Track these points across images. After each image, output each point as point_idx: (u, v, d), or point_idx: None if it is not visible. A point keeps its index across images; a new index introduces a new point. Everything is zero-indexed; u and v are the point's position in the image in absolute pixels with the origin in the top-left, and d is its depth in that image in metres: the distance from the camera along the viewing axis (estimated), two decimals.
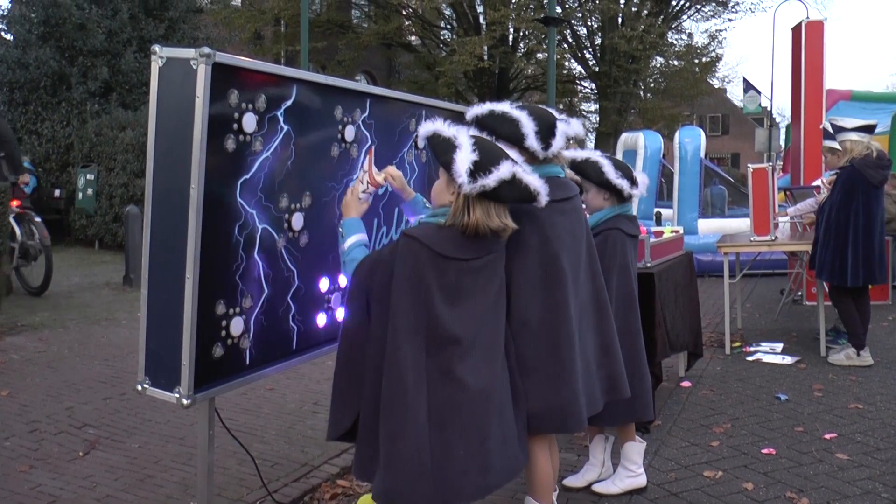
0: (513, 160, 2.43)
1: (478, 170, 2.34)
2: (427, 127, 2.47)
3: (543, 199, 2.48)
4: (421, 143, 2.49)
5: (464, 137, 2.41)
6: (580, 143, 3.23)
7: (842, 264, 5.72)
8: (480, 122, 2.85)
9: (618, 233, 3.49)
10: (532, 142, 2.80)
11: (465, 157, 2.34)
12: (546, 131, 2.83)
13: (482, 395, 2.43)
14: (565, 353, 2.79)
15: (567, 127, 2.94)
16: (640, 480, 3.64)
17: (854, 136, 5.74)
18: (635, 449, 3.64)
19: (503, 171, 2.36)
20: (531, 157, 2.83)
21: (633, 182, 3.55)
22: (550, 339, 2.78)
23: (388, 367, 2.37)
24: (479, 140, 2.44)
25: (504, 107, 2.87)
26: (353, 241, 2.62)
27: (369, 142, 3.18)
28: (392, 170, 2.94)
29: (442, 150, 2.40)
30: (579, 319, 2.91)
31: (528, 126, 2.79)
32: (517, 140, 2.79)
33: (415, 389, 2.34)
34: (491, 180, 2.33)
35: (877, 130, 9.99)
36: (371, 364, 2.43)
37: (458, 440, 2.37)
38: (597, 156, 3.54)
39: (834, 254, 5.75)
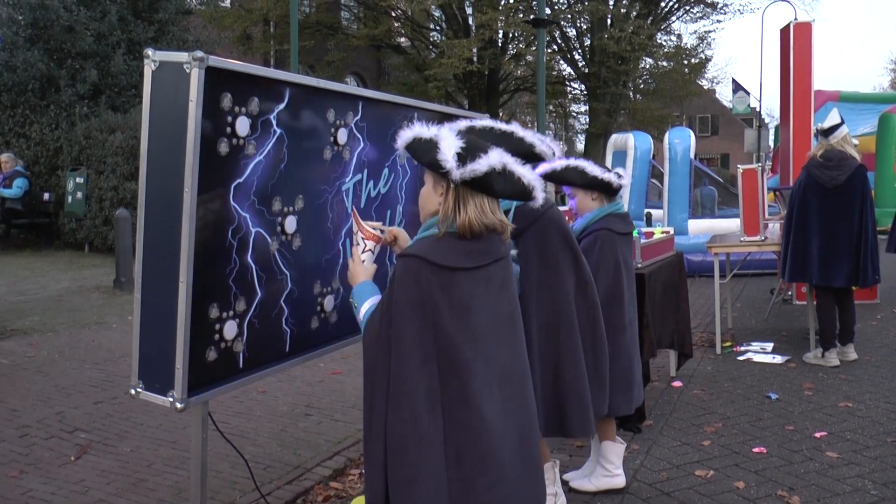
0: (503, 152, 2.25)
1: (465, 156, 2.17)
2: (405, 135, 2.28)
3: (540, 196, 2.30)
4: (401, 152, 2.36)
5: (446, 132, 2.24)
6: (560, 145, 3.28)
7: (783, 260, 6.01)
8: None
9: (607, 232, 3.56)
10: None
11: (450, 145, 2.18)
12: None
13: (499, 422, 2.23)
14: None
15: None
16: (618, 481, 3.65)
17: (817, 139, 5.89)
18: (613, 449, 3.65)
19: (493, 158, 2.18)
20: None
21: (618, 175, 3.63)
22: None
23: (396, 403, 2.16)
24: (465, 134, 2.27)
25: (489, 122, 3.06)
26: (368, 307, 2.36)
27: (361, 145, 3.18)
28: (395, 231, 2.72)
29: (424, 151, 2.23)
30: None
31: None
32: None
33: (429, 423, 2.15)
34: (481, 165, 2.16)
35: (865, 131, 10.08)
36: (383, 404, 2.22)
37: (477, 474, 2.18)
38: (574, 161, 3.59)
39: (784, 251, 6.02)
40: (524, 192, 2.27)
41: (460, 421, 2.18)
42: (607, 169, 3.63)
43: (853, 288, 5.99)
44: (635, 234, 4.87)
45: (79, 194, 12.15)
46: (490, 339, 2.26)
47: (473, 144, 2.22)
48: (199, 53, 2.32)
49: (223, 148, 2.49)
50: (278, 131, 2.70)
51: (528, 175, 2.26)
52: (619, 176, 3.62)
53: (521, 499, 2.28)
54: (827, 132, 5.80)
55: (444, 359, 2.18)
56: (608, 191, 3.60)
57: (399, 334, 2.17)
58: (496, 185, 2.20)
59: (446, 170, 2.17)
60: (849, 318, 5.98)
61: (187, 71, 2.33)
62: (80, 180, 12.18)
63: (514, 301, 2.39)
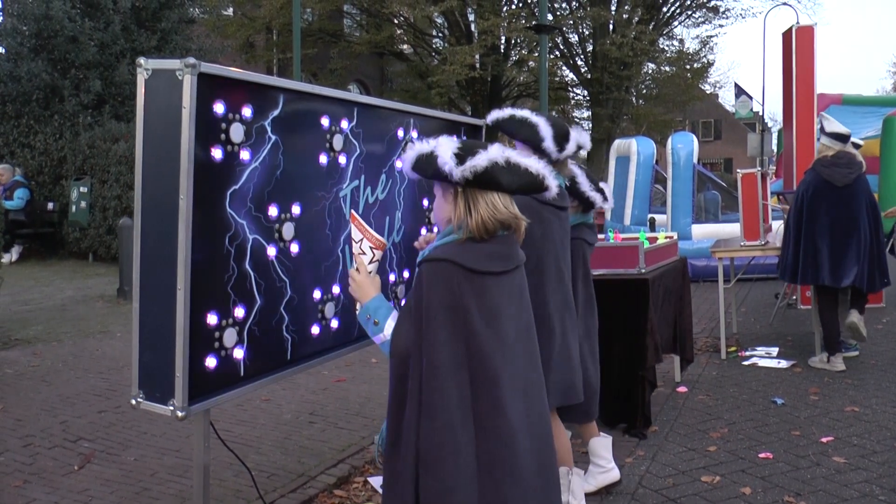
0: (503, 147, 2.21)
1: (463, 155, 2.15)
2: (407, 158, 2.26)
3: (553, 185, 2.26)
4: (412, 176, 2.34)
5: (444, 139, 2.23)
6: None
7: (793, 262, 5.87)
8: (500, 126, 3.18)
9: (581, 242, 3.62)
10: (549, 144, 3.10)
11: (447, 149, 2.16)
12: (561, 137, 3.14)
13: (524, 433, 2.21)
14: (543, 343, 3.00)
15: (578, 135, 3.23)
16: (613, 475, 3.66)
17: (825, 140, 5.83)
18: (601, 444, 3.68)
19: (493, 152, 2.15)
20: (545, 158, 3.05)
21: (604, 196, 3.64)
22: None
23: (429, 413, 2.12)
24: (462, 140, 2.27)
25: (524, 112, 3.17)
26: (391, 322, 2.28)
27: (358, 151, 3.17)
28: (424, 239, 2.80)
29: (427, 165, 2.21)
30: (562, 316, 3.18)
31: (545, 130, 3.10)
32: (535, 142, 3.10)
33: (463, 433, 2.12)
34: (480, 160, 2.13)
35: (868, 134, 10.06)
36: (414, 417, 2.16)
37: (508, 484, 2.15)
38: (572, 165, 3.60)
39: (790, 252, 5.91)
40: (535, 184, 2.23)
41: (492, 429, 2.15)
42: (596, 184, 3.65)
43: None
44: (641, 237, 4.89)
45: (83, 204, 12.16)
46: (514, 347, 2.24)
47: (470, 144, 2.21)
48: (191, 60, 2.31)
49: (218, 155, 2.48)
50: (273, 137, 2.70)
51: (536, 165, 2.22)
52: (605, 199, 3.65)
53: None
54: (844, 138, 5.78)
55: (475, 366, 2.15)
56: (587, 206, 3.63)
57: (431, 340, 2.12)
58: (503, 179, 2.16)
59: (447, 172, 2.15)
60: (861, 297, 5.89)
61: (180, 78, 2.33)
62: (83, 190, 12.20)
63: (530, 308, 2.37)
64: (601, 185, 3.71)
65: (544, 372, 3.00)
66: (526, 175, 2.20)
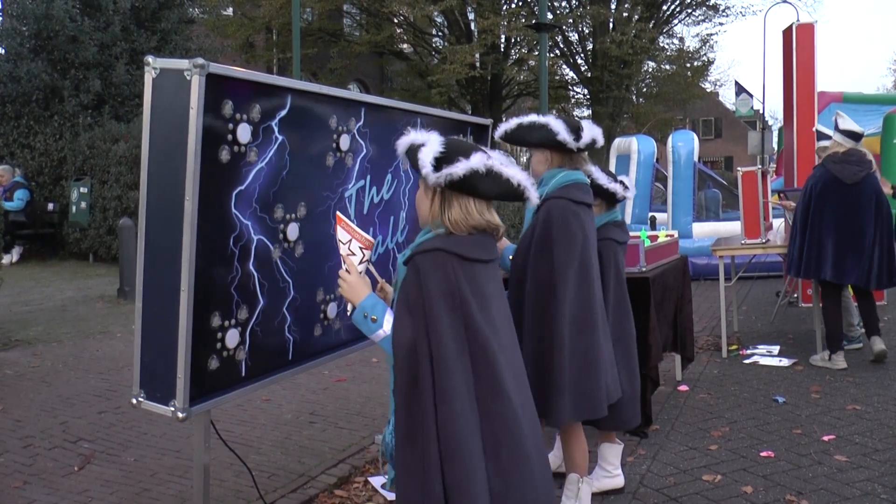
0: (488, 154, 2.25)
1: (444, 161, 2.20)
2: (402, 142, 2.33)
3: (534, 196, 2.32)
4: (402, 160, 2.38)
5: (434, 138, 2.27)
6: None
7: (798, 257, 5.87)
8: (510, 138, 3.19)
9: (610, 242, 3.56)
10: (565, 136, 3.10)
11: (429, 150, 2.22)
12: (573, 128, 3.15)
13: (523, 416, 2.25)
14: (593, 344, 3.12)
15: (591, 129, 3.22)
16: (618, 481, 3.67)
17: (838, 137, 5.81)
18: (612, 450, 3.67)
19: (474, 161, 2.20)
20: (564, 155, 3.16)
21: (624, 186, 3.62)
22: (583, 332, 3.12)
23: (443, 399, 2.14)
24: (451, 139, 2.29)
25: (529, 117, 3.19)
26: (390, 318, 2.28)
27: (364, 151, 3.17)
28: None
29: (413, 157, 2.27)
30: (600, 316, 3.23)
31: (556, 125, 3.11)
32: (550, 139, 3.11)
33: (472, 418, 2.17)
34: (458, 168, 2.18)
35: (869, 132, 10.06)
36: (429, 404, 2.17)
37: (514, 467, 2.20)
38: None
39: (796, 247, 5.91)
40: (513, 193, 2.29)
41: (495, 413, 2.20)
42: (613, 177, 3.62)
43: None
44: (642, 236, 4.88)
45: (83, 204, 12.16)
46: (504, 334, 2.31)
47: (453, 149, 2.24)
48: (200, 60, 2.31)
49: (224, 155, 2.48)
50: (280, 138, 2.69)
51: (518, 176, 2.27)
52: (626, 187, 3.62)
53: (544, 492, 2.30)
54: (857, 136, 5.77)
55: (476, 351, 2.20)
56: (611, 200, 3.60)
57: (435, 328, 2.16)
58: (480, 186, 2.22)
59: (423, 175, 2.22)
60: (870, 311, 5.89)
61: (188, 78, 2.32)
62: (83, 190, 12.19)
63: (506, 299, 2.45)
64: (621, 177, 3.69)
65: (588, 376, 3.09)
66: (506, 184, 2.25)
